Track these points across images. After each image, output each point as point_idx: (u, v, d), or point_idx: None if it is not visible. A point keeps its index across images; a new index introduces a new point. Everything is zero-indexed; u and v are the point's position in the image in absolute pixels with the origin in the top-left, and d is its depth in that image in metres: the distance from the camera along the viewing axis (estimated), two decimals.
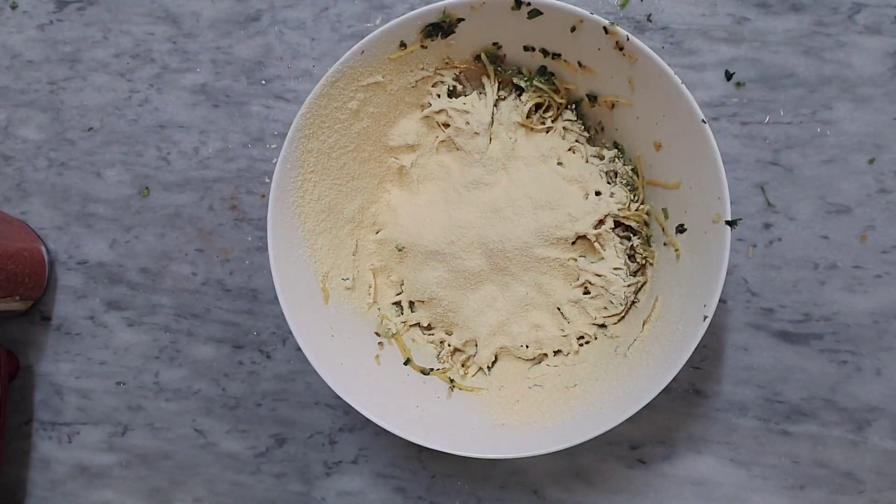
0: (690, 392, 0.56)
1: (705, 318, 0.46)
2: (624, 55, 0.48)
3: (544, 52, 0.51)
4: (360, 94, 0.51)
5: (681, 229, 0.50)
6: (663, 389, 0.56)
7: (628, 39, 0.47)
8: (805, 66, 0.56)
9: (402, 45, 0.49)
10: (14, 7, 0.66)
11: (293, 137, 0.49)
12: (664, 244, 0.52)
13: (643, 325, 0.51)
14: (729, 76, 0.56)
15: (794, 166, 0.56)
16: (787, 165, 0.56)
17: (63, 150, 0.64)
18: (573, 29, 0.48)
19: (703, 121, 0.46)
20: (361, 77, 0.50)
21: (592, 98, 0.53)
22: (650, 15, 0.57)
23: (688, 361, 0.56)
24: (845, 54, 0.56)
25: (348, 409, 0.60)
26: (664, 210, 0.51)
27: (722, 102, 0.56)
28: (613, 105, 0.52)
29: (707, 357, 0.56)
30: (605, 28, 0.47)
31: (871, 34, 0.55)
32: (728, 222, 0.46)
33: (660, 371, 0.47)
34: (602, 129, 0.54)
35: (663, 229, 0.52)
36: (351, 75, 0.50)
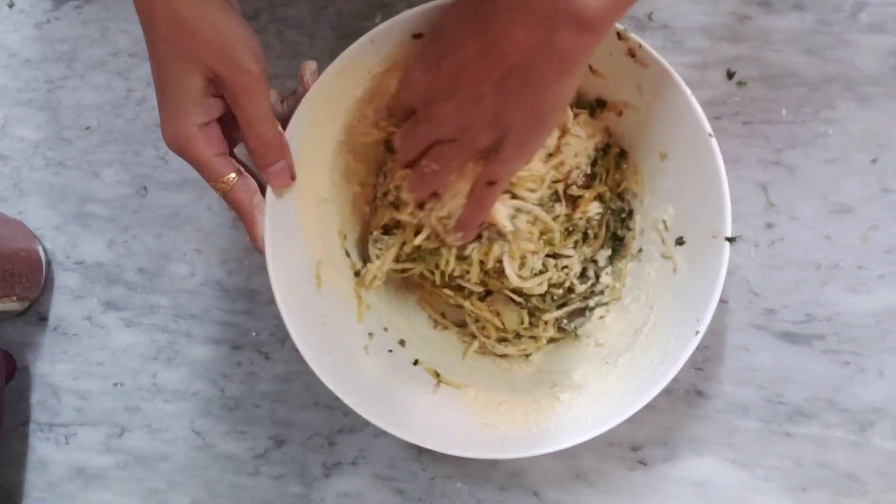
0: (692, 393, 0.56)
1: (697, 333, 0.46)
2: (635, 61, 0.48)
3: None
4: (366, 83, 0.51)
5: (680, 241, 0.50)
6: (664, 390, 0.55)
7: (640, 47, 0.47)
8: (807, 65, 0.56)
9: (417, 35, 0.49)
10: (11, 6, 0.65)
11: (296, 122, 0.48)
12: (662, 256, 0.52)
13: (635, 335, 0.51)
14: (730, 75, 0.56)
15: (796, 166, 0.55)
16: (790, 165, 0.56)
17: (60, 149, 0.64)
18: None
19: (710, 135, 0.46)
20: (370, 66, 0.50)
21: (601, 103, 0.53)
22: (651, 13, 0.57)
23: (689, 362, 0.55)
24: (848, 53, 0.55)
25: (347, 411, 0.59)
26: (664, 221, 0.51)
27: (723, 101, 0.56)
28: (621, 112, 0.52)
29: (708, 358, 0.56)
30: (618, 33, 0.47)
31: (874, 33, 0.55)
32: (727, 239, 0.46)
33: (648, 382, 0.47)
34: (609, 134, 0.54)
35: (662, 240, 0.52)
36: (360, 63, 0.49)
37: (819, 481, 0.54)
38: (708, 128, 0.46)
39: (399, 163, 0.49)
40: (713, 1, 0.56)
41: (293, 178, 0.47)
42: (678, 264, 0.50)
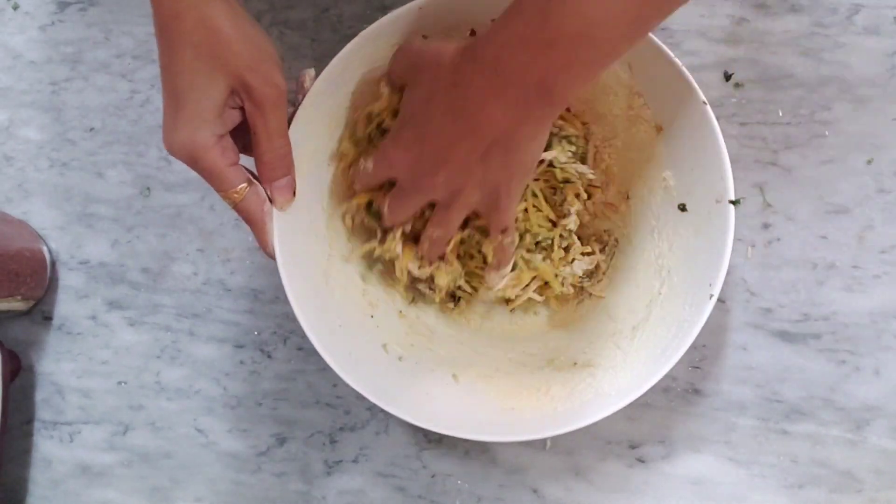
0: (689, 391, 0.56)
1: (711, 296, 0.46)
2: None
3: None
4: (364, 86, 0.51)
5: (682, 208, 0.50)
6: (662, 389, 0.56)
7: None
8: (804, 67, 0.56)
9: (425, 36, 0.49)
10: (16, 8, 0.66)
11: (294, 128, 0.48)
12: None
13: (649, 306, 0.51)
14: (728, 77, 0.57)
15: (792, 167, 0.56)
16: (786, 166, 0.56)
17: (64, 150, 0.64)
18: None
19: (703, 102, 0.46)
20: (364, 69, 0.50)
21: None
22: None
23: (687, 361, 0.56)
24: (844, 55, 0.56)
25: (349, 409, 0.60)
26: (665, 178, 0.52)
27: (721, 103, 0.57)
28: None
29: (706, 356, 0.56)
30: None
31: (870, 35, 0.56)
32: (731, 201, 0.46)
33: (668, 351, 0.47)
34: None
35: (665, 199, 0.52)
36: (356, 66, 0.49)
37: (815, 479, 0.54)
38: (701, 96, 0.46)
39: (393, 225, 0.52)
40: (710, 3, 0.57)
41: (294, 194, 0.48)
42: (684, 233, 0.50)
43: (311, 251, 0.52)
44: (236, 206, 0.46)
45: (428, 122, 0.44)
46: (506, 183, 0.46)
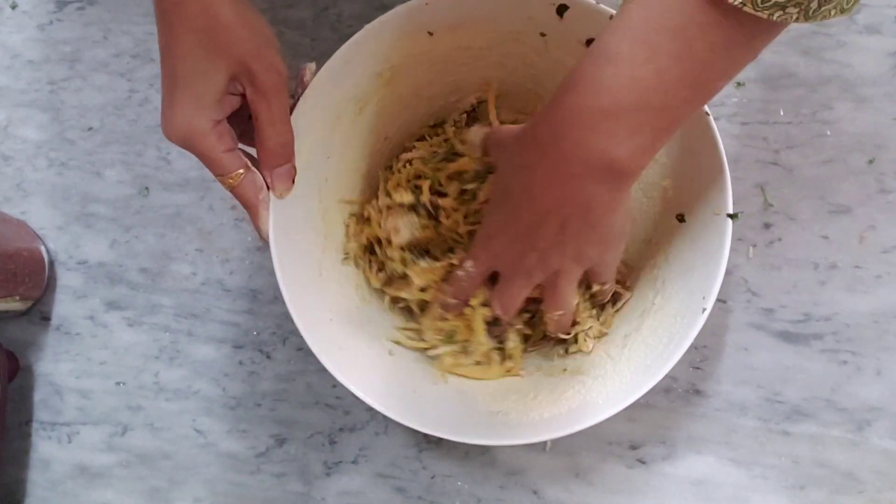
0: (691, 392, 0.56)
1: (704, 310, 0.46)
2: None
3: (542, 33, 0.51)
4: (364, 81, 0.51)
5: (681, 218, 0.50)
6: (663, 389, 0.56)
7: None
8: (805, 66, 0.56)
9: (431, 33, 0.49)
10: (14, 7, 0.66)
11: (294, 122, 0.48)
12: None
13: (641, 317, 0.51)
14: None
15: (794, 166, 0.56)
16: (787, 165, 0.56)
17: (63, 149, 0.64)
18: (560, 11, 0.48)
19: (706, 113, 0.46)
20: (367, 63, 0.50)
21: None
22: None
23: (688, 361, 0.56)
24: (845, 54, 0.56)
25: (348, 409, 0.60)
26: (664, 187, 0.51)
27: (722, 102, 0.56)
28: None
29: (707, 357, 0.56)
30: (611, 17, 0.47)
31: (871, 34, 0.56)
32: (729, 215, 0.46)
33: (657, 362, 0.47)
34: None
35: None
36: (357, 61, 0.49)
37: (817, 480, 0.54)
38: (704, 106, 0.46)
39: (510, 320, 0.52)
40: None
41: (293, 182, 0.48)
42: (681, 244, 0.50)
43: (307, 243, 0.51)
44: (232, 191, 0.46)
45: (508, 207, 0.45)
46: (598, 254, 0.46)
